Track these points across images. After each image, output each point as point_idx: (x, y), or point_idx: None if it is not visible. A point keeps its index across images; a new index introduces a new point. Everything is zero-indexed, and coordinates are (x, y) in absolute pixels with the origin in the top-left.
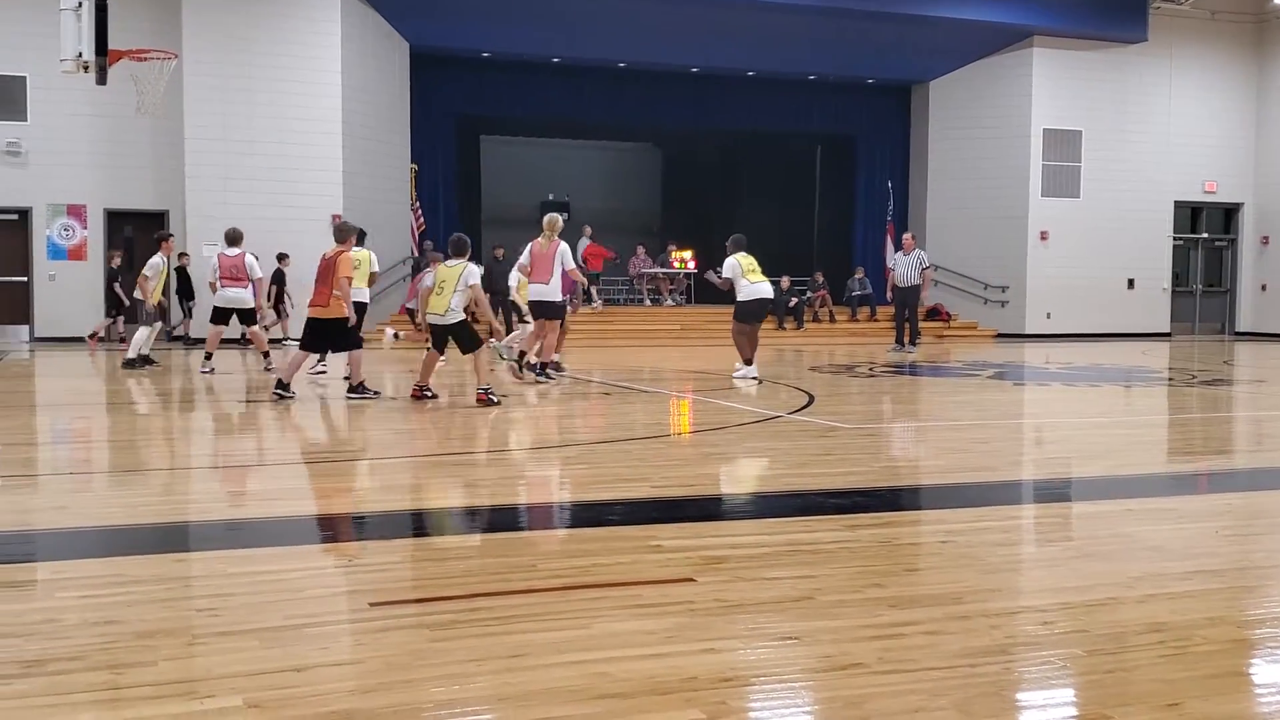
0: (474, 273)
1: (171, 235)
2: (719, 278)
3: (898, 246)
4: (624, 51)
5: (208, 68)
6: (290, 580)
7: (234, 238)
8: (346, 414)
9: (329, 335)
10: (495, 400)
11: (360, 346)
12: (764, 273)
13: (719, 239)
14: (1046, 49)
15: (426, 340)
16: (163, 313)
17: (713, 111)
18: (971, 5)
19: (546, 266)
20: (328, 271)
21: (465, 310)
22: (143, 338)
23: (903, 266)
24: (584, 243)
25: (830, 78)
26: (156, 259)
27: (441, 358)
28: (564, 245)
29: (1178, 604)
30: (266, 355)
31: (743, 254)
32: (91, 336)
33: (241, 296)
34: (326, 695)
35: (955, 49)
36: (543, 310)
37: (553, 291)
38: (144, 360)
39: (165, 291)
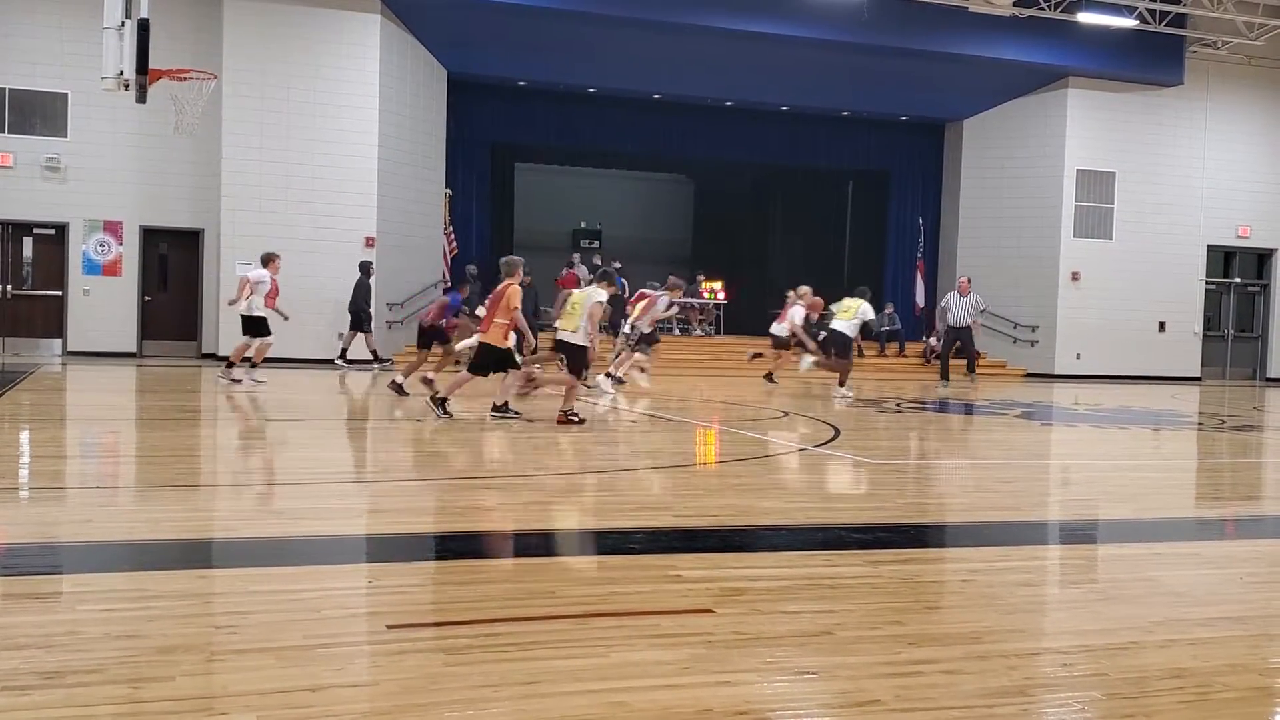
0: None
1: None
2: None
3: (927, 283)
4: (658, 83)
5: (246, 89)
6: (309, 600)
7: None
8: (365, 436)
9: (495, 361)
10: (578, 420)
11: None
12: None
13: (749, 271)
14: (1081, 90)
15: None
16: None
17: (745, 144)
18: (1007, 45)
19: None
20: (496, 301)
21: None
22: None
23: (957, 307)
24: (565, 271)
25: (864, 114)
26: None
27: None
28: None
29: (1200, 650)
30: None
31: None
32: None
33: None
34: (340, 716)
35: (990, 88)
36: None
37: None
38: None
39: None
